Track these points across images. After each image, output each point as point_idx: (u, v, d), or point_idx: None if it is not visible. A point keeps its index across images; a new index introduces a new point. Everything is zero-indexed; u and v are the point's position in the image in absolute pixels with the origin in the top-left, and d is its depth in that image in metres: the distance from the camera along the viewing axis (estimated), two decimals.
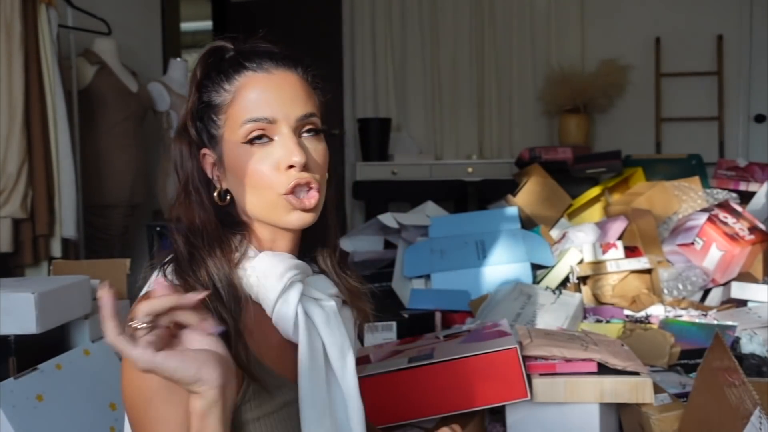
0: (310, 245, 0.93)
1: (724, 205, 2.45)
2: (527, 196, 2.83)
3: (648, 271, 2.12)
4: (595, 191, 2.86)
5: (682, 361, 1.63)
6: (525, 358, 1.29)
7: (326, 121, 0.88)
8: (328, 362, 0.86)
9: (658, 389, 1.31)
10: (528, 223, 2.64)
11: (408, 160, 4.35)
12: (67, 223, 2.75)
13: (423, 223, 2.52)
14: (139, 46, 3.86)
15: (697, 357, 1.58)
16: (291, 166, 0.82)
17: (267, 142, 0.83)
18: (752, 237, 2.28)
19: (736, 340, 1.68)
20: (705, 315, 1.91)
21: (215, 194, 0.86)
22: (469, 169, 4.23)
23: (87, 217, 3.13)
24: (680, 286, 2.18)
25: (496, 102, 4.51)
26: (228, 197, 0.86)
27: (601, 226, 2.40)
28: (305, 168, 0.83)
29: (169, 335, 0.69)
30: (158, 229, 3.07)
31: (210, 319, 0.70)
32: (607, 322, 1.89)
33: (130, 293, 2.07)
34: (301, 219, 0.84)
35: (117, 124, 3.22)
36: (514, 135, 4.48)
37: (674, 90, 4.27)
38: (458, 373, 1.28)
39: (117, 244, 3.36)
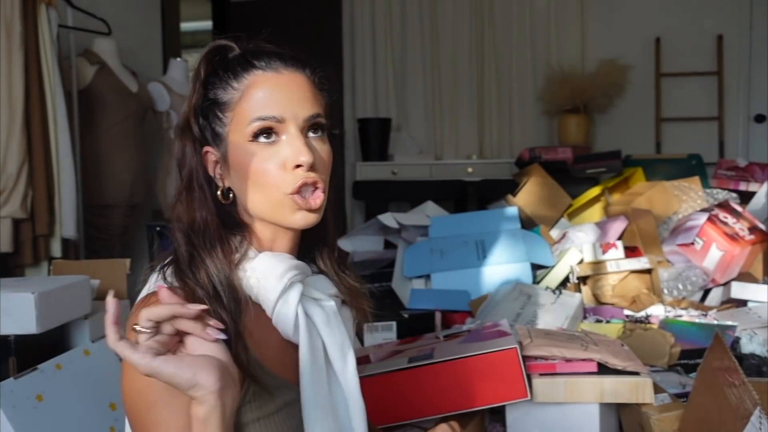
0: (310, 245, 0.93)
1: (724, 205, 2.45)
2: (527, 196, 2.83)
3: (648, 271, 2.12)
4: (595, 191, 2.86)
5: (682, 361, 1.63)
6: (525, 358, 1.29)
7: (328, 121, 0.89)
8: (329, 362, 0.86)
9: (658, 389, 1.31)
10: (528, 223, 2.64)
11: (408, 160, 4.36)
12: (67, 223, 2.75)
13: (423, 223, 2.52)
14: (139, 46, 3.86)
15: (697, 357, 1.58)
16: (298, 166, 0.82)
17: (274, 141, 0.83)
18: (752, 237, 2.28)
19: (736, 340, 1.68)
20: (705, 315, 1.91)
21: (218, 192, 0.86)
22: (469, 169, 4.24)
23: (87, 217, 3.13)
24: (680, 286, 2.18)
25: (496, 102, 4.51)
26: (231, 195, 0.86)
27: (601, 226, 2.40)
28: (312, 168, 0.83)
29: (174, 340, 0.70)
30: (158, 229, 3.07)
31: (212, 327, 0.71)
32: (607, 322, 1.89)
33: (130, 293, 2.07)
34: (305, 219, 0.84)
35: (117, 124, 3.22)
36: (514, 135, 4.48)
37: (674, 90, 4.27)
38: (458, 373, 1.28)
39: (117, 244, 3.36)
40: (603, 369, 1.28)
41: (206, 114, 0.86)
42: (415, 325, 1.87)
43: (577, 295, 2.00)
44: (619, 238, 2.32)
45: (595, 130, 4.38)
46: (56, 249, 2.74)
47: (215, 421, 0.70)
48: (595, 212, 2.76)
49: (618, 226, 2.37)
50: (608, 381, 1.26)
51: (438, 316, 1.97)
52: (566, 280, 2.14)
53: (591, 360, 1.29)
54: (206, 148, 0.86)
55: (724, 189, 2.86)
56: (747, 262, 2.23)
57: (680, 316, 1.92)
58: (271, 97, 0.83)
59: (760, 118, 4.20)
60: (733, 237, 2.26)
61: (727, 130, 4.23)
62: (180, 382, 0.68)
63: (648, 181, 2.96)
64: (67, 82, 2.97)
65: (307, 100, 0.84)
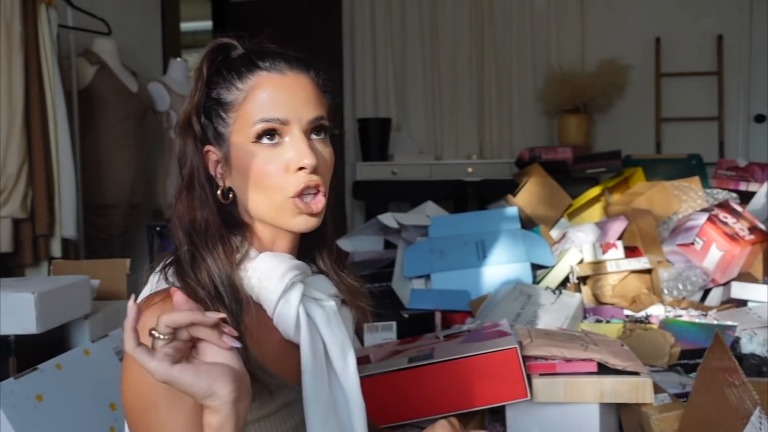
0: (309, 245, 0.93)
1: (724, 205, 2.45)
2: (527, 196, 2.83)
3: (648, 271, 2.12)
4: (595, 191, 2.86)
5: (682, 361, 1.63)
6: (525, 358, 1.29)
7: (331, 123, 0.89)
8: (330, 362, 0.87)
9: (658, 389, 1.31)
10: (528, 223, 2.64)
11: (408, 160, 4.36)
12: (67, 223, 2.75)
13: (423, 223, 2.52)
14: (139, 46, 3.86)
15: (697, 357, 1.58)
16: (301, 168, 0.82)
17: (277, 143, 0.83)
18: (752, 237, 2.28)
19: (736, 340, 1.68)
20: (705, 315, 1.91)
21: (219, 192, 0.86)
22: (469, 169, 4.24)
23: (87, 217, 3.13)
24: (680, 286, 2.18)
25: (496, 102, 4.51)
26: (231, 195, 0.86)
27: (601, 226, 2.40)
28: (314, 171, 0.83)
29: (188, 346, 0.69)
30: (158, 229, 3.07)
31: (227, 335, 0.70)
32: (607, 322, 1.89)
33: (129, 293, 2.07)
34: (306, 223, 0.84)
35: (117, 124, 3.22)
36: (514, 135, 4.48)
37: (674, 90, 4.27)
38: (458, 373, 1.28)
39: (117, 244, 3.36)
40: (603, 369, 1.28)
41: (208, 113, 0.85)
42: (415, 325, 1.87)
43: (577, 295, 2.00)
44: (619, 238, 2.32)
45: (595, 130, 4.38)
46: (56, 249, 2.75)
47: (228, 431, 0.69)
48: (595, 212, 2.76)
49: (618, 226, 2.37)
50: (608, 381, 1.26)
51: (438, 316, 1.97)
52: (566, 280, 2.14)
53: (591, 360, 1.29)
54: (207, 147, 0.86)
55: (724, 189, 2.86)
56: (747, 262, 2.23)
57: (680, 316, 1.92)
58: (276, 98, 0.83)
59: (760, 118, 4.20)
60: (733, 237, 2.26)
61: (727, 130, 4.23)
62: (196, 392, 0.67)
63: (648, 181, 2.96)
64: (67, 82, 2.97)
65: (311, 102, 0.84)
